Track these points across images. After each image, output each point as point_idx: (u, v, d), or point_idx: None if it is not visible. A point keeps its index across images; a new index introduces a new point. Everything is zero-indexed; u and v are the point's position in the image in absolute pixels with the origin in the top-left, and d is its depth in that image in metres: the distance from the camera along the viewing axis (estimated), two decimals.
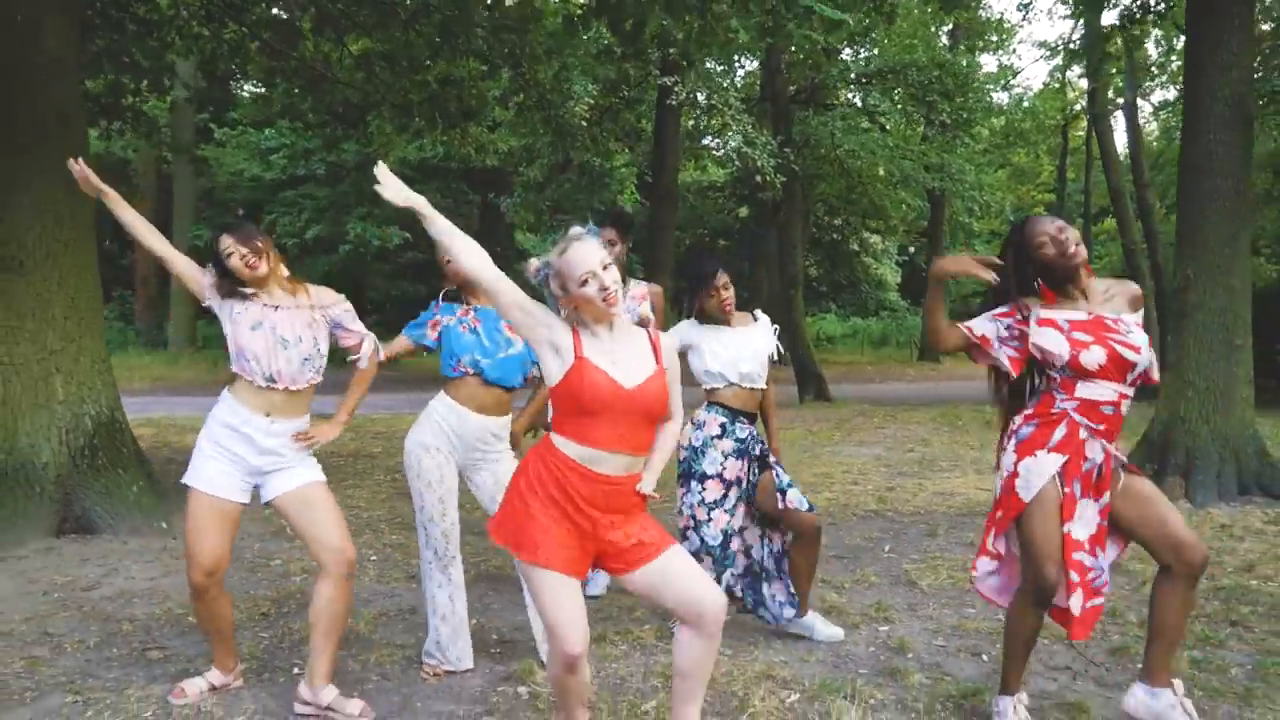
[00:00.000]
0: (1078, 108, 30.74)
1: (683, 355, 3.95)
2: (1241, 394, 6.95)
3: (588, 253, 2.59)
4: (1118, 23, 9.90)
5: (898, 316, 35.62)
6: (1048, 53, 32.32)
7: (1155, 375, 3.06)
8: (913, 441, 10.78)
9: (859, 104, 17.18)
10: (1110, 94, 22.32)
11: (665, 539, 2.68)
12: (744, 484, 3.95)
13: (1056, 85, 28.94)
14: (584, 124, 10.87)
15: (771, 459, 3.99)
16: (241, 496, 3.29)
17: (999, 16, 16.81)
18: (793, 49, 11.39)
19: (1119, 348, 2.96)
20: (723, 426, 3.91)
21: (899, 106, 16.61)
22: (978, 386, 18.58)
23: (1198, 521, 6.29)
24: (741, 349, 3.96)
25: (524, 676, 3.57)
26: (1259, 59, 8.50)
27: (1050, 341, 3.00)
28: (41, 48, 5.44)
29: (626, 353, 2.66)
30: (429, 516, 3.60)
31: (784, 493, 3.84)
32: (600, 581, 4.71)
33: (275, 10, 8.55)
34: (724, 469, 3.89)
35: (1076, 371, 2.99)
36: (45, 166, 5.44)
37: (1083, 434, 3.01)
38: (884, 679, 3.63)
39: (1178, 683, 3.08)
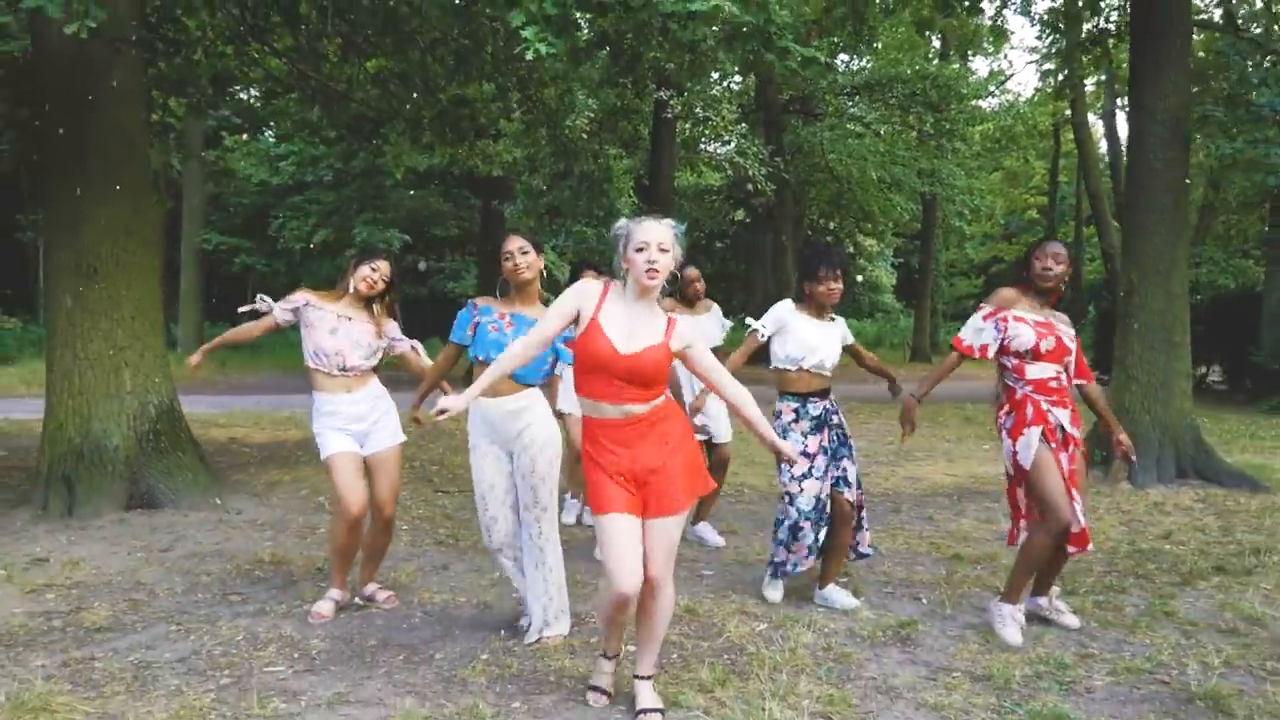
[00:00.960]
0: (1068, 112, 31.58)
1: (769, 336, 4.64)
2: (1180, 387, 7.80)
3: (656, 230, 3.14)
4: (1078, 43, 10.74)
5: (892, 318, 36.51)
6: (1039, 57, 33.17)
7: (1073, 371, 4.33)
8: (892, 435, 11.60)
9: (849, 113, 18.02)
10: (1087, 104, 23.19)
11: (672, 506, 3.19)
12: (829, 450, 4.54)
13: (1048, 90, 29.74)
14: (584, 136, 11.72)
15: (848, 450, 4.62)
16: (359, 448, 4.42)
17: (991, 22, 17.56)
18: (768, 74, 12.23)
19: (1063, 339, 4.27)
20: (796, 411, 4.52)
21: (882, 117, 17.45)
22: (963, 387, 19.48)
23: (1135, 501, 7.14)
24: (820, 341, 4.53)
25: None
26: (1196, 87, 9.35)
27: (1021, 333, 4.20)
28: (111, 81, 6.27)
29: (640, 325, 3.16)
30: (476, 507, 4.23)
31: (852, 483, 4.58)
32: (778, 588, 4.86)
33: (298, 35, 9.32)
34: (806, 445, 4.48)
35: (1034, 354, 4.20)
36: (116, 186, 6.25)
37: (1043, 405, 4.19)
38: (838, 615, 4.47)
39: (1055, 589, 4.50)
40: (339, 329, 4.38)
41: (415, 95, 9.59)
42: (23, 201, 26.56)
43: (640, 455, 3.18)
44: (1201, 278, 18.16)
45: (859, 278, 37.17)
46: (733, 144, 14.30)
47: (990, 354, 4.28)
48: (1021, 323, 4.22)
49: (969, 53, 28.23)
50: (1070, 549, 4.18)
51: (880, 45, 18.78)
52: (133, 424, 6.28)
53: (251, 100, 20.32)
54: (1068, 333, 4.30)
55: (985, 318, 4.31)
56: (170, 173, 23.99)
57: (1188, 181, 7.36)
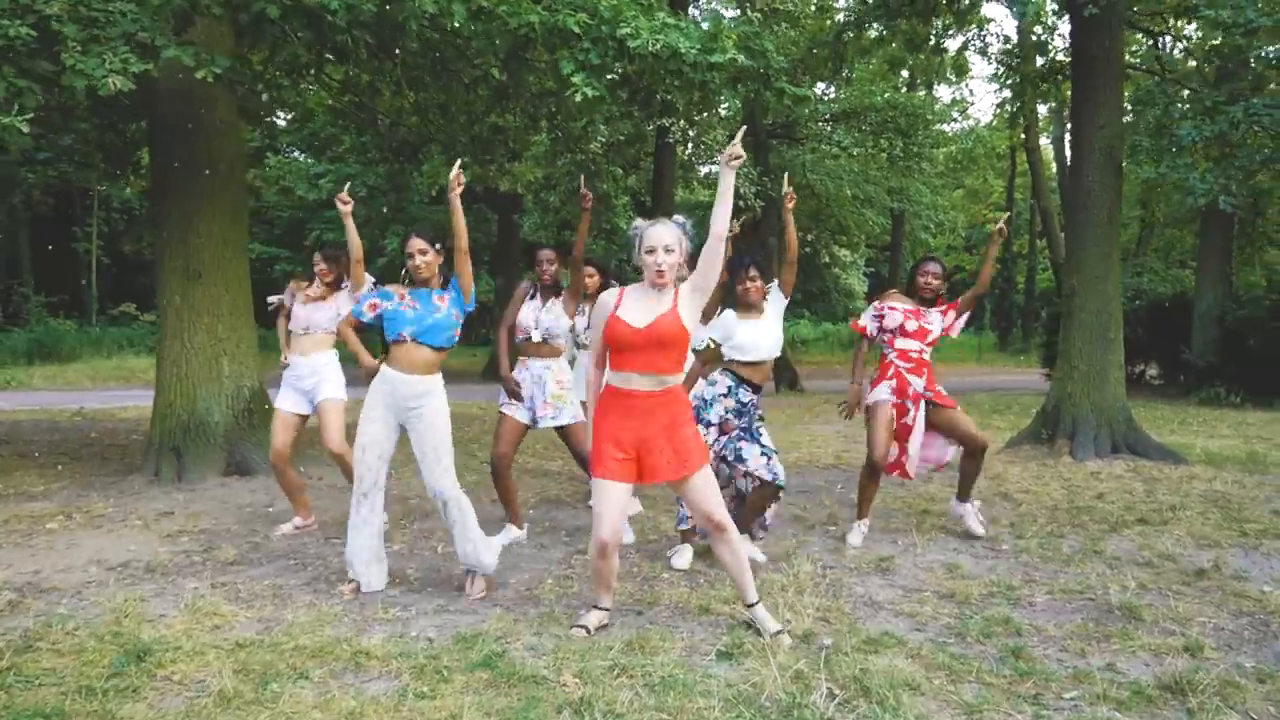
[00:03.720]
0: (1023, 136, 32.30)
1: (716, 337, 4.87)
2: (1114, 376, 8.42)
3: (660, 233, 3.45)
4: (1029, 78, 11.40)
5: None
6: (997, 86, 33.92)
7: (954, 333, 5.55)
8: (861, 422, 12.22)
9: (827, 138, 18.64)
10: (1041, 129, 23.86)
11: (697, 463, 3.54)
12: (736, 434, 4.78)
13: (1003, 119, 30.48)
14: (599, 156, 12.31)
15: (758, 433, 4.80)
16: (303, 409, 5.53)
17: (953, 58, 18.22)
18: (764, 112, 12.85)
19: (922, 323, 5.45)
20: (729, 388, 4.75)
21: (856, 142, 18.09)
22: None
23: (1075, 470, 7.76)
24: (759, 338, 4.80)
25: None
26: (1128, 119, 9.99)
27: (893, 317, 5.45)
28: (215, 114, 6.84)
29: (653, 305, 3.49)
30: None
31: (746, 460, 4.72)
32: (685, 555, 4.96)
33: (355, 71, 9.87)
34: (724, 420, 4.74)
35: (900, 332, 5.42)
36: (217, 203, 6.83)
37: (902, 369, 5.38)
38: (830, 554, 5.07)
39: (975, 502, 5.60)
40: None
41: (454, 124, 10.15)
42: (76, 216, 27.06)
43: (647, 427, 3.50)
44: (1144, 285, 18.83)
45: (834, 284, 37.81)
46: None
47: (870, 331, 5.50)
48: (894, 310, 5.45)
49: (934, 82, 28.96)
50: (893, 474, 5.54)
51: (854, 77, 19.36)
52: (230, 404, 6.85)
53: (283, 127, 20.94)
54: (931, 316, 5.44)
55: (874, 308, 5.56)
56: None
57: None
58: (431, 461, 4.25)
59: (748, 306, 4.91)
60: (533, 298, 5.33)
